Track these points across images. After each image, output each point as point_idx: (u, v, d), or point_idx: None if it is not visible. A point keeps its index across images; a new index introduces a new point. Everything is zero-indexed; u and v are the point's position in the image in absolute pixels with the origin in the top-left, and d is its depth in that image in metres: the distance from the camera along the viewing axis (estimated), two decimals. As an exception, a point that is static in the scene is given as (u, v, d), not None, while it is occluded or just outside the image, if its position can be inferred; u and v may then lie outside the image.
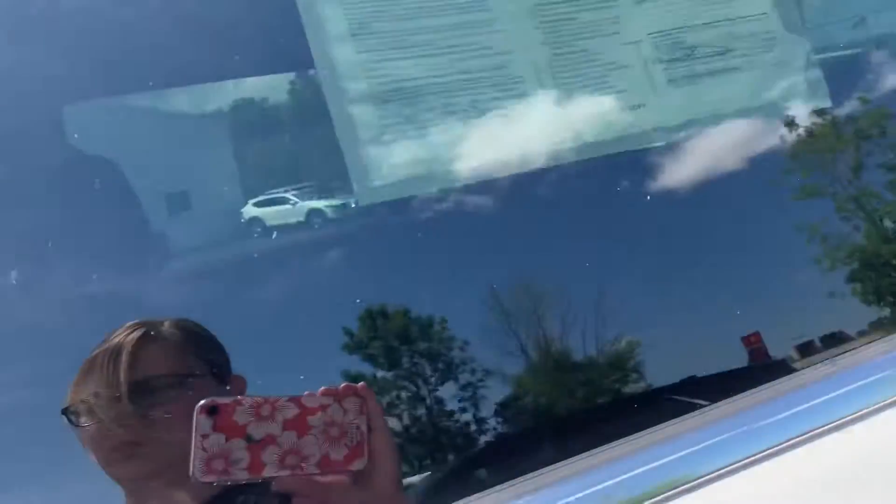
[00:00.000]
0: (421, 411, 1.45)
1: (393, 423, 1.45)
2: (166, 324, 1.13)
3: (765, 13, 1.30)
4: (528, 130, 1.23)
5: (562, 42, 1.21)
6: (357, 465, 0.83)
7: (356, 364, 1.46)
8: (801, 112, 1.43)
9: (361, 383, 0.84)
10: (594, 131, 1.24)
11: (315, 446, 0.82)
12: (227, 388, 1.14)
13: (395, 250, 1.54)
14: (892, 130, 1.58)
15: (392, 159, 1.19)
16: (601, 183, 1.36)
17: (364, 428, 0.84)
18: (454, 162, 1.21)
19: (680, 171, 1.39)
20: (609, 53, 1.23)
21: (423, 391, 1.47)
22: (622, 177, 1.37)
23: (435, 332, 1.48)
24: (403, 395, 1.46)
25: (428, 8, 1.15)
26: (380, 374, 1.46)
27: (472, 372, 1.46)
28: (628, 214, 1.40)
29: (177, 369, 1.09)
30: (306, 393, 0.83)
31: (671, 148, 1.33)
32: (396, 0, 1.16)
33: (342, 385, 0.84)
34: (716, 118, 1.31)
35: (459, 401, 1.45)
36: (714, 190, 1.43)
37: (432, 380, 1.48)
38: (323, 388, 0.84)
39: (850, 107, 1.59)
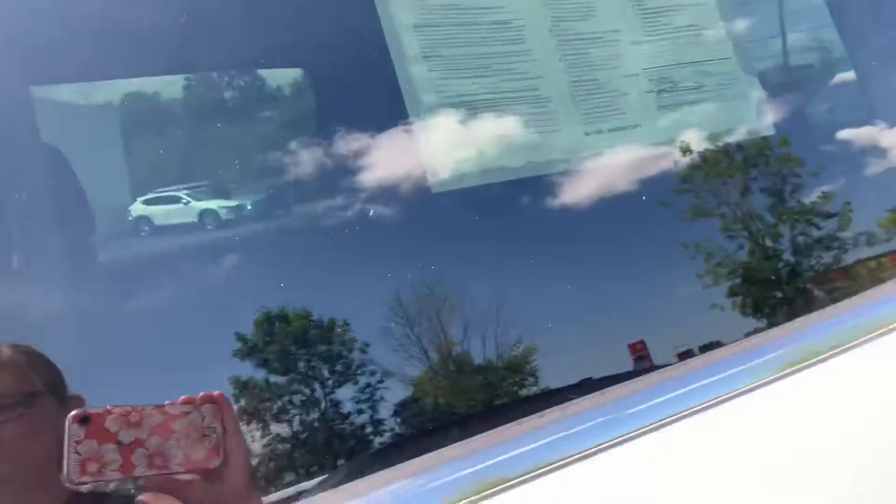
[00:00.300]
0: (316, 415, 1.44)
1: (285, 427, 1.43)
2: (4, 347, 1.19)
3: (729, 57, 1.59)
4: (549, 140, 1.48)
5: (579, 72, 1.50)
6: (214, 463, 0.96)
7: (248, 370, 1.43)
8: (747, 137, 1.68)
9: (218, 392, 0.98)
10: (600, 143, 1.50)
11: (178, 448, 0.94)
12: (70, 404, 1.20)
13: (293, 253, 1.52)
14: (774, 160, 1.76)
15: (456, 157, 1.43)
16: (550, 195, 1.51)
17: (220, 430, 0.97)
18: (500, 162, 1.45)
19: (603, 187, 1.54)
20: (614, 83, 1.52)
21: (320, 394, 1.46)
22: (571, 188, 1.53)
23: (336, 335, 1.48)
24: (298, 399, 1.45)
25: (481, 38, 1.43)
26: (275, 378, 1.44)
27: (373, 374, 1.47)
28: (550, 225, 1.53)
29: (20, 389, 1.15)
30: (167, 402, 0.95)
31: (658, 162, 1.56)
32: (456, 31, 1.41)
33: (200, 394, 0.98)
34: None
35: (357, 402, 1.45)
36: (617, 205, 1.55)
37: (330, 382, 1.47)
38: (183, 397, 0.97)
39: (738, 136, 1.75)
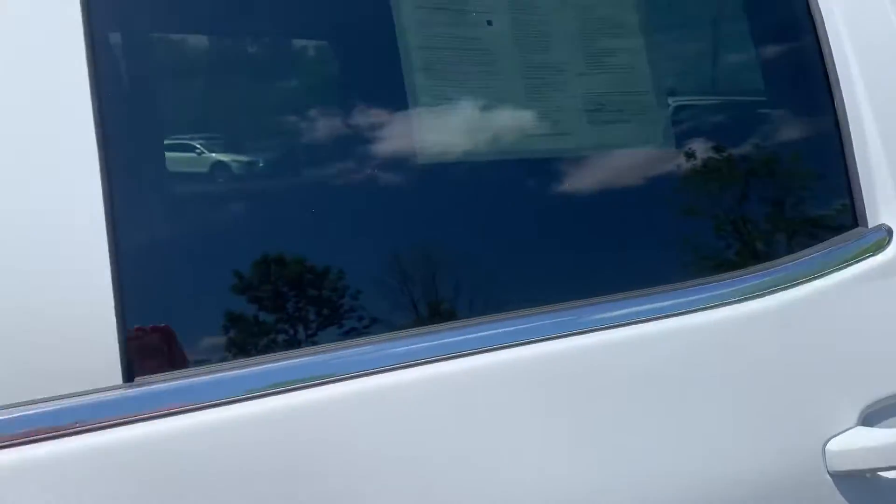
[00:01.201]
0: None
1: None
2: None
3: (646, 91, 2.01)
4: (515, 136, 1.87)
5: (536, 91, 1.89)
6: None
7: (242, 305, 1.52)
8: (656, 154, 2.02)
9: None
10: (543, 145, 1.90)
11: None
12: None
13: (302, 210, 1.64)
14: (779, 172, 2.08)
15: (443, 139, 1.80)
16: (530, 182, 1.89)
17: None
18: (475, 148, 1.84)
19: (587, 180, 1.90)
20: (559, 102, 1.91)
21: (302, 334, 1.56)
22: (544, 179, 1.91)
23: (329, 281, 1.59)
24: (282, 338, 1.54)
25: (470, 63, 1.81)
26: (264, 316, 1.54)
27: (360, 319, 1.58)
28: (534, 211, 1.85)
29: None
30: None
31: (582, 163, 1.91)
32: (451, 54, 1.79)
33: None
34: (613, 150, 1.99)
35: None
36: (610, 199, 1.92)
37: (314, 325, 1.57)
38: None
39: (745, 149, 2.08)
